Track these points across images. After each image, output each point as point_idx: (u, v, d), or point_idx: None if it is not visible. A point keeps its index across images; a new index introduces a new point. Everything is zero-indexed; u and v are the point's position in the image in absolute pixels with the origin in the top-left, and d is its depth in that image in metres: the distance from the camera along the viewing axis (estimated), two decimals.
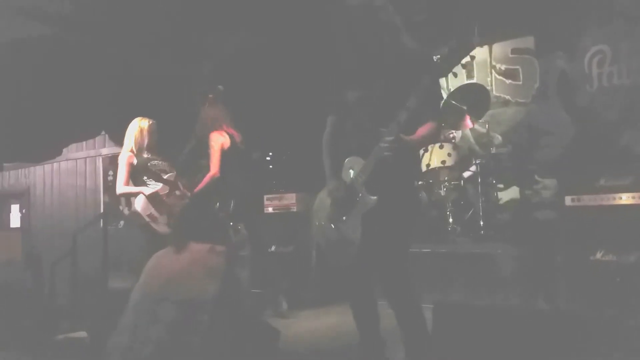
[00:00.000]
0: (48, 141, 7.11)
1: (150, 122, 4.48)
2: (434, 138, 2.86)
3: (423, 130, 2.65)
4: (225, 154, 4.30)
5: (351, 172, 2.69)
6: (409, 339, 2.69)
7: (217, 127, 4.38)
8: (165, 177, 4.40)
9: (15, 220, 10.57)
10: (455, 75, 2.74)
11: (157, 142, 4.48)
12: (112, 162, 8.96)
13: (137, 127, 4.44)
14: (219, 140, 4.33)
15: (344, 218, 2.69)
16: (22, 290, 5.28)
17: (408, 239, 2.79)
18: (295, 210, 5.59)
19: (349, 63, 2.89)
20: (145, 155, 4.40)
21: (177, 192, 4.42)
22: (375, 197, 2.58)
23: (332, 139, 2.91)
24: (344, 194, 2.68)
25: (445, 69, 2.53)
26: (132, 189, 4.37)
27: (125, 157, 4.38)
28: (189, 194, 4.42)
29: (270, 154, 6.42)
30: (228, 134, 4.36)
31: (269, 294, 4.86)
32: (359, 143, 2.69)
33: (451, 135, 5.80)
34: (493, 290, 4.47)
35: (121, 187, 4.37)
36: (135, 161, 4.37)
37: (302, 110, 6.48)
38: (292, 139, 6.68)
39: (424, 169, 5.33)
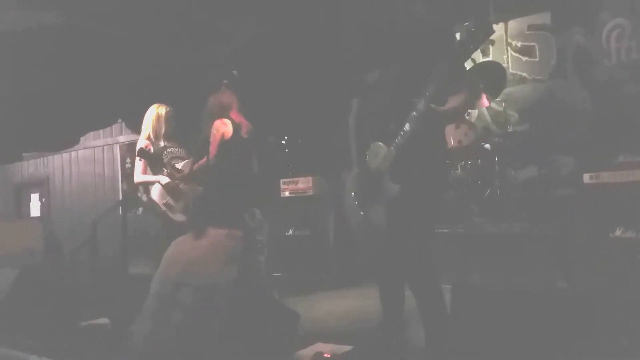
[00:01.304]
0: (65, 130, 7.17)
1: (168, 109, 4.44)
2: (466, 106, 2.86)
3: (454, 100, 2.64)
4: (224, 142, 4.25)
5: (375, 158, 2.70)
6: (428, 321, 2.70)
7: (222, 115, 4.35)
8: (181, 164, 4.39)
9: (35, 210, 10.72)
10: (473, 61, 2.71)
11: (174, 129, 4.46)
12: (129, 149, 9.02)
13: (155, 114, 4.41)
14: (220, 129, 4.30)
15: (370, 204, 2.71)
16: (43, 278, 5.36)
17: (431, 225, 2.78)
18: (311, 193, 5.59)
19: (369, 44, 2.87)
20: (162, 143, 4.40)
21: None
22: (397, 186, 2.58)
23: (358, 122, 2.92)
24: (369, 181, 2.71)
25: (466, 55, 2.49)
26: (150, 177, 4.38)
27: (142, 145, 4.38)
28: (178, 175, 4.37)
29: (286, 137, 6.41)
30: (234, 122, 4.30)
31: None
32: (383, 128, 2.69)
33: (467, 117, 5.74)
34: (511, 269, 4.45)
35: (139, 176, 4.38)
36: (152, 149, 4.37)
37: (317, 94, 6.46)
38: (307, 123, 6.67)
39: None
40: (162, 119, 4.40)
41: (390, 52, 2.72)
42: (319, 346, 3.13)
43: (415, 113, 2.48)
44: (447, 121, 3.40)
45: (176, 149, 4.44)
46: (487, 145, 5.44)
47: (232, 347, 3.06)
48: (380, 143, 2.68)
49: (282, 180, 5.83)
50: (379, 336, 2.94)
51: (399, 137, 2.54)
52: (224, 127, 4.26)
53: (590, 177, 4.03)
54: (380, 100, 2.74)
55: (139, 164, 4.37)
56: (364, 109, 2.89)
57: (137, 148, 4.40)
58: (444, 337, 2.65)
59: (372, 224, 2.73)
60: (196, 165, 4.21)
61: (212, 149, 4.22)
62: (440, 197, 3.00)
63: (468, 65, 5.61)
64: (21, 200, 10.97)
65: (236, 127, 4.29)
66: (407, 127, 2.52)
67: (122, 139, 9.19)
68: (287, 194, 5.76)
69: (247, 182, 4.30)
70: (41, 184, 10.54)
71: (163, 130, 4.39)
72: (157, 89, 5.98)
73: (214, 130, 4.26)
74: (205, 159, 4.20)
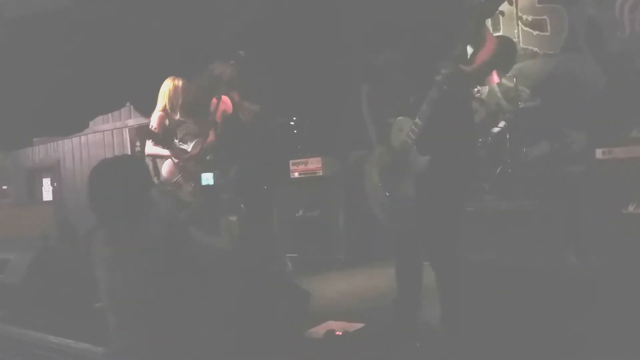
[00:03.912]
0: (74, 114, 7.19)
1: (183, 81, 4.43)
2: (494, 61, 2.77)
3: (483, 56, 2.54)
4: (225, 121, 4.23)
5: (400, 133, 2.62)
6: (446, 299, 2.67)
7: (219, 93, 4.27)
8: (194, 142, 4.36)
9: (47, 194, 10.81)
10: None
11: (189, 103, 4.43)
12: (138, 133, 9.04)
13: (171, 85, 4.39)
14: (219, 107, 4.24)
15: (397, 181, 2.65)
16: (57, 262, 5.42)
17: (463, 197, 2.72)
18: (321, 174, 5.57)
19: (375, 25, 2.81)
20: (177, 117, 4.37)
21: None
22: (426, 157, 2.51)
23: (371, 107, 2.85)
24: (394, 157, 2.64)
25: (492, 9, 2.40)
26: (162, 151, 4.36)
27: (157, 116, 4.34)
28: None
29: (294, 118, 6.38)
30: (232, 100, 4.27)
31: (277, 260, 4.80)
32: (404, 102, 2.62)
33: (475, 91, 5.67)
34: (523, 247, 4.43)
35: (151, 148, 4.36)
36: (167, 122, 4.34)
37: (325, 74, 6.41)
38: (316, 102, 6.63)
39: None
40: (179, 90, 4.37)
41: (403, 28, 2.65)
42: (330, 324, 3.15)
43: (441, 77, 2.39)
44: (476, 81, 3.30)
45: (190, 125, 4.41)
46: (499, 126, 5.39)
47: (244, 326, 3.08)
48: (403, 117, 2.61)
49: (291, 161, 5.81)
50: (392, 314, 2.94)
51: (425, 106, 2.45)
52: (222, 105, 4.23)
53: (603, 153, 3.98)
54: (399, 74, 2.67)
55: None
56: (379, 87, 2.82)
57: (153, 118, 4.37)
58: (460, 315, 2.64)
59: (399, 202, 2.66)
60: (205, 143, 4.21)
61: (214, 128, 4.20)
62: (472, 165, 2.93)
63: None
64: (33, 185, 11.06)
65: (235, 105, 4.26)
66: (433, 93, 2.42)
67: (131, 122, 9.20)
68: (296, 174, 5.74)
69: (248, 162, 4.29)
70: (52, 169, 10.61)
71: (180, 101, 4.36)
72: (165, 71, 5.96)
73: (212, 109, 4.22)
74: (211, 138, 4.20)
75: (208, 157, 4.41)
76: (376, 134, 2.79)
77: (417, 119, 2.49)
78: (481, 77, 4.03)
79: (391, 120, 2.68)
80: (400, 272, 2.91)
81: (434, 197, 2.53)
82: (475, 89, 5.70)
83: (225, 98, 4.30)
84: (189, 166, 4.31)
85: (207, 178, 4.51)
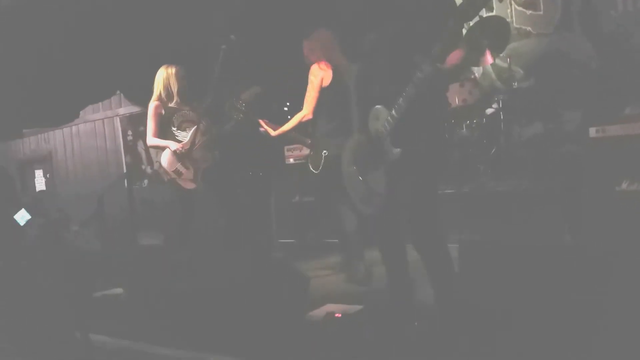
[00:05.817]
0: (64, 104, 7.13)
1: (177, 68, 4.38)
2: (467, 63, 2.77)
3: (453, 59, 2.54)
4: (324, 92, 3.71)
5: (375, 122, 2.65)
6: (436, 280, 2.71)
7: (318, 58, 3.77)
8: (192, 128, 4.34)
9: (40, 185, 10.75)
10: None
11: (185, 88, 4.38)
12: (130, 121, 8.98)
13: (165, 74, 4.35)
14: (319, 75, 3.72)
15: (370, 169, 2.70)
16: (54, 253, 5.41)
17: (434, 186, 2.75)
18: None
19: (363, 6, 2.81)
20: (173, 105, 4.34)
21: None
22: (398, 150, 2.55)
23: (354, 89, 2.87)
24: (369, 146, 2.67)
25: (472, 13, 2.40)
26: (161, 142, 4.34)
27: (153, 106, 4.32)
28: (273, 132, 4.09)
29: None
30: (333, 67, 3.72)
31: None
32: (382, 92, 2.64)
33: (472, 76, 5.66)
34: (518, 227, 4.45)
35: (151, 139, 4.35)
36: (163, 111, 4.32)
37: None
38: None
39: None
40: (173, 78, 4.34)
41: (391, 11, 2.65)
42: (330, 307, 3.17)
43: (420, 74, 2.39)
44: (451, 80, 3.32)
45: (187, 112, 4.39)
46: (492, 108, 5.40)
47: (246, 312, 3.09)
48: (381, 106, 2.62)
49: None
50: (388, 297, 2.97)
51: (401, 100, 2.47)
52: (322, 73, 3.71)
53: (597, 131, 4.00)
54: (380, 63, 2.67)
55: (151, 126, 4.33)
56: (364, 73, 2.82)
57: (149, 108, 4.35)
58: (452, 296, 2.66)
59: (372, 189, 2.71)
60: (300, 119, 3.79)
61: (310, 99, 3.74)
62: (443, 159, 2.97)
63: (472, 20, 5.54)
64: (25, 176, 10.99)
65: (334, 73, 3.69)
66: (410, 89, 2.43)
67: (122, 111, 9.14)
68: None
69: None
70: (44, 160, 10.55)
71: (175, 88, 4.33)
72: (155, 58, 5.90)
73: (311, 77, 3.75)
74: (305, 111, 3.74)
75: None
76: (357, 119, 2.81)
77: (393, 111, 2.52)
78: (456, 77, 4.05)
79: (369, 108, 2.69)
80: (385, 257, 2.94)
81: (404, 186, 2.60)
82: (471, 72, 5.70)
83: (325, 64, 3.76)
84: (189, 154, 4.30)
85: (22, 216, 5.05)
